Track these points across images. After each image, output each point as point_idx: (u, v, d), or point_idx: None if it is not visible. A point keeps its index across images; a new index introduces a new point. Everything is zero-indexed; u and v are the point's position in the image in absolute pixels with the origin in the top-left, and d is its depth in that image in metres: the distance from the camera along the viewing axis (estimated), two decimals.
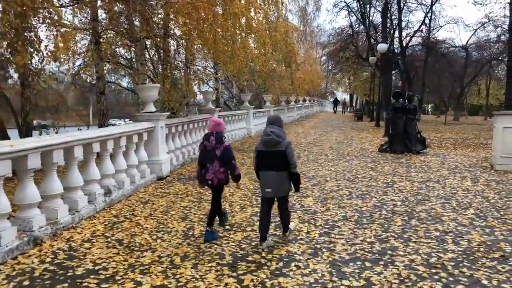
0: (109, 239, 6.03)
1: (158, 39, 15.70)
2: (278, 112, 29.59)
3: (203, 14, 11.29)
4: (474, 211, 7.33)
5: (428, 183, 9.75)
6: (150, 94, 10.18)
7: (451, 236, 6.05)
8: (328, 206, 7.74)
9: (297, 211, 7.40)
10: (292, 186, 5.69)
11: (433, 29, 37.21)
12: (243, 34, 19.38)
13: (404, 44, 33.69)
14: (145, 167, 9.71)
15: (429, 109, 78.41)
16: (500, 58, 41.47)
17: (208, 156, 5.90)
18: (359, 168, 11.80)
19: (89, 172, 7.42)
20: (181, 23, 11.76)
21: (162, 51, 14.37)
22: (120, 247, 5.70)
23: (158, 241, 5.97)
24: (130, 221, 6.94)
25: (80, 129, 9.87)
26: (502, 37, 35.76)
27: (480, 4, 36.33)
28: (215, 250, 5.59)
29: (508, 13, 25.46)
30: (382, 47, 21.91)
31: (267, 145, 5.54)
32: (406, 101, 15.47)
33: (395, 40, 33.48)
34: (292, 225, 6.13)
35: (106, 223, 6.83)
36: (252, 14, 20.61)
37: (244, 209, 7.60)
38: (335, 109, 59.96)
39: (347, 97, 69.99)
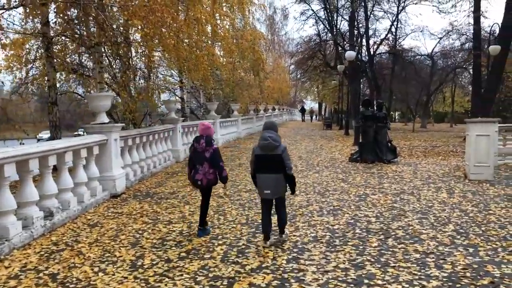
0: (41, 274, 5.11)
1: (117, 46, 14.79)
2: (247, 121, 28.95)
3: (160, 17, 10.46)
4: (454, 227, 6.76)
5: (402, 195, 9.18)
6: (102, 104, 9.27)
7: (433, 258, 5.42)
8: (297, 225, 7.03)
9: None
10: (288, 188, 6.05)
11: (400, 37, 37.46)
12: (209, 41, 18.68)
13: (372, 52, 33.65)
14: (96, 184, 8.78)
15: (397, 117, 79.50)
16: (464, 66, 42.16)
17: (198, 158, 6.30)
18: (329, 180, 11.17)
19: (25, 193, 6.46)
20: (139, 27, 10.89)
21: (118, 58, 13.42)
22: (53, 284, 4.80)
23: (100, 274, 5.09)
24: (72, 249, 6.03)
25: (23, 143, 8.87)
26: (466, 45, 36.26)
27: (445, 12, 36.94)
28: (166, 285, 4.77)
29: (472, 21, 25.68)
30: (350, 54, 21.57)
31: (264, 149, 5.85)
32: (376, 109, 15.02)
33: (362, 48, 33.43)
34: (286, 230, 6.31)
35: (43, 252, 5.90)
36: (218, 21, 19.96)
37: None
38: (303, 117, 60.00)
39: (315, 106, 70.18)
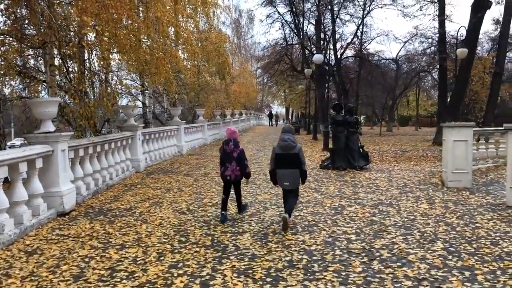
0: None
1: (72, 47, 13.62)
2: (213, 126, 28.00)
3: (114, 14, 9.43)
4: (443, 244, 6.07)
5: (380, 206, 8.50)
6: (47, 111, 8.17)
7: (427, 286, 4.68)
8: (269, 246, 6.18)
9: (231, 257, 5.76)
10: (300, 180, 7.23)
11: (365, 41, 37.40)
12: (171, 43, 17.66)
13: (339, 56, 33.38)
14: (39, 201, 7.66)
15: (362, 121, 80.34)
16: (427, 70, 42.63)
17: (227, 157, 7.62)
18: (301, 190, 10.35)
19: None
20: (91, 25, 9.80)
21: (72, 60, 12.27)
22: None
23: None
24: None
25: None
26: (430, 49, 36.54)
27: (409, 16, 37.15)
28: None
29: (437, 25, 25.68)
30: (317, 57, 21.03)
31: (284, 148, 7.05)
32: (347, 113, 14.43)
33: (329, 52, 33.13)
34: (292, 217, 7.40)
35: None
36: (182, 23, 18.99)
37: (162, 258, 5.84)
38: (271, 122, 59.60)
39: (279, 110, 70.01)
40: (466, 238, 6.34)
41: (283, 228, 6.88)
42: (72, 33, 13.06)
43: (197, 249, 6.15)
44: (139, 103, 22.82)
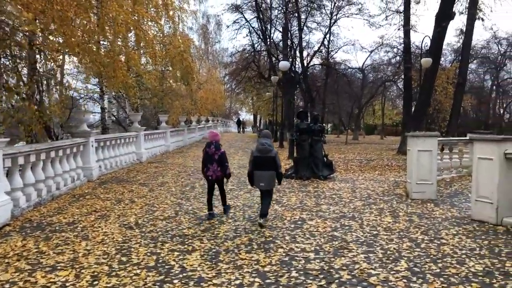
0: None
1: (20, 46, 12.70)
2: (177, 133, 27.18)
3: (60, 10, 8.65)
4: (407, 264, 5.61)
5: (342, 220, 8.02)
6: None
7: None
8: (219, 267, 5.57)
9: (174, 281, 5.11)
10: (276, 181, 7.85)
11: (332, 50, 37.34)
12: (130, 46, 16.88)
13: (305, 64, 33.19)
14: None
15: (329, 129, 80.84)
16: (393, 79, 43.14)
17: (209, 159, 8.10)
18: None
19: None
20: (31, 21, 8.97)
21: (19, 61, 11.37)
22: None
23: None
24: None
25: None
26: (396, 59, 36.93)
27: (376, 26, 37.42)
28: None
29: (402, 35, 25.80)
30: (284, 64, 20.64)
31: (262, 151, 7.60)
32: (312, 121, 14.02)
33: (296, 59, 32.89)
34: (266, 217, 7.76)
35: None
36: (145, 26, 18.22)
37: (96, 282, 5.13)
38: (239, 129, 59.19)
39: (247, 117, 69.72)
40: (431, 256, 5.91)
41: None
42: (19, 32, 12.14)
43: (138, 271, 5.47)
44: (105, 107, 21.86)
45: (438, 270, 5.37)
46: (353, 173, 15.06)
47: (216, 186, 8.45)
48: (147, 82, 19.80)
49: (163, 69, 27.45)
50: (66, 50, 11.28)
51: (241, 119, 66.29)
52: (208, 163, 8.16)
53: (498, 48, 42.71)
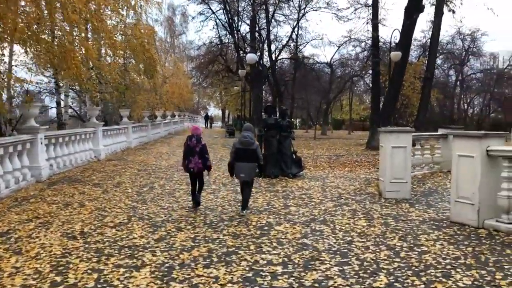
0: None
1: None
2: (140, 129, 26.02)
3: None
4: (387, 278, 4.92)
5: (313, 224, 7.30)
6: None
7: None
8: (171, 286, 4.71)
9: None
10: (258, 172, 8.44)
11: (301, 44, 36.80)
12: (84, 34, 15.68)
13: (274, 58, 32.50)
14: None
15: (297, 124, 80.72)
16: (360, 74, 42.95)
17: (190, 152, 8.47)
18: (226, 203, 9.04)
19: None
20: None
21: None
22: None
23: None
24: None
25: None
26: (363, 53, 36.71)
27: (344, 20, 37.14)
28: None
29: (371, 28, 25.43)
30: (251, 57, 19.87)
31: (244, 144, 8.07)
32: (280, 116, 13.30)
33: (264, 53, 32.17)
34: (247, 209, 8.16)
35: None
36: (105, 16, 17.03)
37: None
38: (206, 124, 58.26)
39: (216, 112, 68.91)
40: (413, 268, 5.23)
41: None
42: None
43: None
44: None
45: (422, 286, 4.69)
46: (322, 170, 14.44)
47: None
48: (107, 74, 18.58)
49: (125, 61, 26.21)
50: (7, 38, 10.04)
51: (209, 114, 65.27)
52: (189, 156, 8.45)
53: (463, 44, 43.26)
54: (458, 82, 48.47)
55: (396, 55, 19.09)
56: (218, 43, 33.05)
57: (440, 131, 13.87)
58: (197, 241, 6.42)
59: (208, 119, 59.96)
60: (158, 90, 39.28)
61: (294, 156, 12.97)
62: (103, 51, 20.26)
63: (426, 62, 26.87)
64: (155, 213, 8.21)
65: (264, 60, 32.65)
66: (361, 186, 11.07)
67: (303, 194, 9.98)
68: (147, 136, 27.03)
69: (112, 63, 18.30)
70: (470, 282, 4.77)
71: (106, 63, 18.17)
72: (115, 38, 16.54)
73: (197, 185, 8.73)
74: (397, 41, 20.16)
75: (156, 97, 38.22)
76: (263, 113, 14.34)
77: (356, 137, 40.82)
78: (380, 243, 6.23)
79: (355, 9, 29.13)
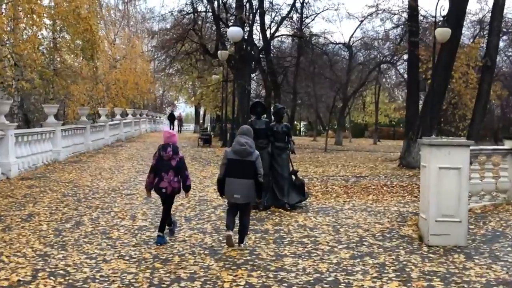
0: None
1: None
2: (74, 132, 25.25)
3: None
4: None
5: None
6: None
7: None
8: None
9: None
10: (256, 194, 8.49)
11: (307, 16, 36.49)
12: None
13: (269, 35, 31.99)
14: None
15: (302, 129, 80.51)
16: (391, 60, 42.50)
17: (164, 166, 8.66)
18: (186, 251, 8.37)
19: None
20: None
21: None
22: None
23: None
24: None
25: None
26: (396, 30, 36.31)
27: None
28: None
29: None
30: (234, 31, 19.26)
31: (239, 153, 8.24)
32: (274, 118, 12.67)
33: (256, 28, 31.67)
34: (246, 240, 8.68)
35: None
36: None
37: None
38: (172, 127, 57.72)
39: (188, 111, 68.91)
40: None
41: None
42: None
43: None
44: None
45: None
46: (335, 198, 13.84)
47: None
48: (24, 53, 17.87)
49: (54, 35, 25.62)
50: None
51: (175, 113, 64.72)
52: (162, 171, 8.60)
53: None
54: None
55: (443, 32, 18.62)
56: (190, 11, 32.41)
57: (508, 144, 13.27)
58: None
59: (174, 119, 59.49)
60: (104, 77, 38.80)
61: (293, 178, 12.37)
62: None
63: (485, 44, 26.56)
64: (77, 265, 7.48)
65: (255, 37, 32.19)
66: (392, 225, 10.43)
67: (304, 237, 9.32)
68: (84, 144, 26.34)
69: (32, 36, 17.55)
70: None
71: (23, 37, 17.47)
72: (37, 3, 15.82)
73: (163, 212, 8.97)
74: (444, 13, 19.68)
75: (100, 88, 37.67)
76: (251, 115, 13.69)
77: (384, 148, 40.58)
78: None
79: None
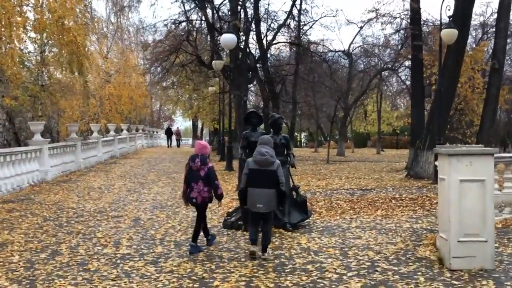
0: None
1: None
2: (64, 150, 24.29)
3: None
4: None
5: None
6: None
7: None
8: None
9: None
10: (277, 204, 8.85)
11: (305, 23, 35.69)
12: None
13: (265, 44, 31.17)
14: None
15: (303, 140, 79.66)
16: (393, 67, 41.73)
17: (193, 176, 9.04)
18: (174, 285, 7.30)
19: None
20: None
21: None
22: None
23: None
24: None
25: None
26: (397, 36, 35.55)
27: None
28: None
29: None
30: (227, 39, 18.31)
31: (261, 163, 8.56)
32: (272, 129, 11.70)
33: (251, 36, 30.88)
34: (270, 251, 8.73)
35: None
36: None
37: None
38: (169, 142, 57.03)
39: (185, 124, 68.49)
40: None
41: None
42: None
43: None
44: None
45: None
46: (341, 214, 12.84)
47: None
48: (4, 67, 16.95)
49: (42, 49, 24.77)
50: None
51: (172, 127, 64.21)
52: (192, 182, 8.97)
53: None
54: None
55: (450, 33, 17.68)
56: (183, 19, 31.52)
57: None
58: None
59: (171, 134, 58.94)
60: (97, 92, 37.98)
61: (295, 195, 11.34)
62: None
63: (492, 47, 25.73)
64: None
65: (252, 46, 31.39)
66: (406, 246, 9.39)
67: (309, 263, 8.27)
68: (74, 162, 25.38)
69: (10, 50, 16.63)
70: None
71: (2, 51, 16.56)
72: (13, 10, 14.92)
73: (196, 223, 9.26)
74: (450, 13, 18.78)
75: (94, 103, 36.88)
76: (247, 126, 12.71)
77: (388, 158, 39.76)
78: None
79: None
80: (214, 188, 9.00)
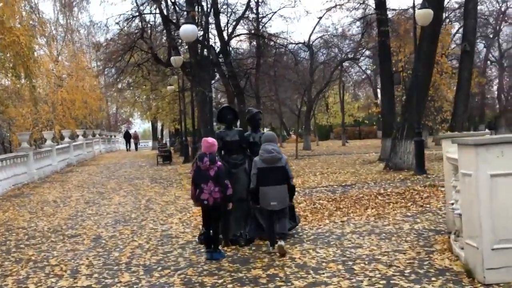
0: None
1: None
2: (14, 162, 22.34)
3: None
4: None
5: None
6: None
7: None
8: None
9: None
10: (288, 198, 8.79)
11: (264, 15, 34.40)
12: None
13: (226, 36, 29.72)
14: None
15: None
16: (355, 57, 41.29)
17: (202, 177, 8.55)
18: None
19: None
20: None
21: None
22: None
23: None
24: None
25: None
26: (357, 25, 34.91)
27: None
28: None
29: None
30: (187, 30, 16.80)
31: (268, 161, 8.49)
32: (250, 126, 10.15)
33: (211, 30, 29.33)
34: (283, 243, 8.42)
35: None
36: None
37: None
38: (128, 146, 55.47)
39: (146, 127, 67.09)
40: None
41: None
42: None
43: None
44: None
45: None
46: (329, 217, 11.40)
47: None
48: None
49: None
50: None
51: (130, 131, 62.95)
52: (201, 183, 8.48)
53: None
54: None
55: (425, 14, 16.63)
56: (135, 14, 29.65)
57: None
58: None
59: (129, 138, 58.06)
60: (49, 98, 36.02)
61: None
62: None
63: (462, 28, 24.98)
64: None
65: (212, 40, 29.86)
66: (417, 253, 7.96)
67: (310, 286, 6.75)
68: (27, 174, 23.49)
69: None
70: None
71: None
72: None
73: (212, 224, 8.63)
74: None
75: (46, 109, 35.00)
76: (216, 123, 11.16)
77: (355, 149, 38.98)
78: None
79: None
80: (224, 188, 8.44)
